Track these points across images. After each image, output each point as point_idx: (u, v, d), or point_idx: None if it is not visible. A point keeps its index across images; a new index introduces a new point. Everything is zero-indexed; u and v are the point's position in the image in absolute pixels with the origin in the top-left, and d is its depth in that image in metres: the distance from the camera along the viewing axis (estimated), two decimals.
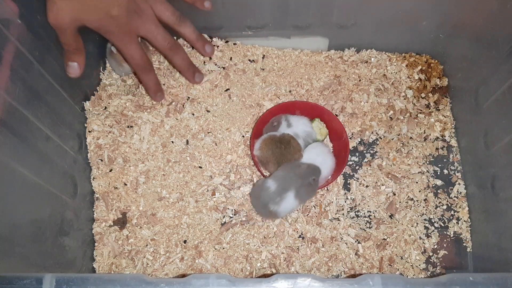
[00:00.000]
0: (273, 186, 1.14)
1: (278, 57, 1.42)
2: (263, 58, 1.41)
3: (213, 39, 1.42)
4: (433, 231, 1.25)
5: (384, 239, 1.23)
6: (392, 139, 1.33)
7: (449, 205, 1.28)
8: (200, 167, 1.28)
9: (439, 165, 1.32)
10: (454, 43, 1.33)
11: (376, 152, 1.32)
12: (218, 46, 1.41)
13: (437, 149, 1.33)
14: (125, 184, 1.27)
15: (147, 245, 1.22)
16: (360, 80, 1.39)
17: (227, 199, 1.25)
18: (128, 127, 1.32)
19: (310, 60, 1.41)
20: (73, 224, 1.15)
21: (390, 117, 1.36)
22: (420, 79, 1.40)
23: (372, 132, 1.34)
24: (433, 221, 1.26)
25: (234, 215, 1.25)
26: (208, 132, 1.32)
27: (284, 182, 1.14)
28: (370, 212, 1.26)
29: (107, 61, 1.39)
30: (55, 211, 1.08)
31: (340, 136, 1.26)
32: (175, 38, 1.27)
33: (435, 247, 1.23)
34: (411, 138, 1.33)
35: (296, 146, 1.20)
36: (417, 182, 1.29)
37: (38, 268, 0.99)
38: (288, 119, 1.24)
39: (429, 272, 1.21)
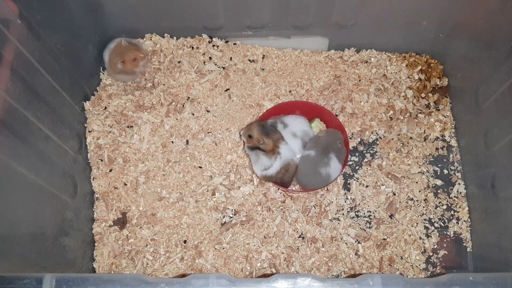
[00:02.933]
0: (314, 153, 1.18)
1: (278, 57, 1.42)
2: (263, 58, 1.41)
3: (213, 39, 1.42)
4: (433, 231, 1.25)
5: (384, 239, 1.23)
6: (392, 139, 1.33)
7: (449, 205, 1.28)
8: (200, 167, 1.28)
9: (439, 165, 1.32)
10: (454, 43, 1.33)
11: (376, 152, 1.32)
12: (218, 46, 1.41)
13: (437, 149, 1.33)
14: (125, 184, 1.27)
15: (147, 245, 1.22)
16: (360, 80, 1.39)
17: (227, 199, 1.25)
18: (128, 127, 1.32)
19: (310, 60, 1.41)
20: (73, 224, 1.15)
21: (390, 117, 1.36)
22: (420, 79, 1.40)
23: (372, 132, 1.34)
24: (433, 221, 1.26)
25: (234, 215, 1.24)
26: (208, 132, 1.32)
27: (323, 148, 1.19)
28: (370, 212, 1.26)
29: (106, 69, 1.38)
30: (55, 211, 1.09)
31: None
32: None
33: (435, 247, 1.23)
34: (411, 138, 1.33)
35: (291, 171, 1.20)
36: (417, 182, 1.29)
37: (38, 268, 0.99)
38: (283, 121, 1.24)
39: (429, 272, 1.21)
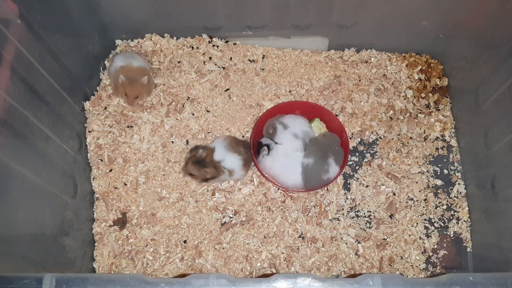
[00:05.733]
0: (312, 161, 1.18)
1: (278, 57, 1.42)
2: (263, 58, 1.41)
3: (213, 39, 1.42)
4: (433, 231, 1.25)
5: (384, 239, 1.23)
6: (392, 139, 1.33)
7: (449, 205, 1.28)
8: None
9: (439, 165, 1.32)
10: (454, 43, 1.33)
11: (376, 152, 1.32)
12: (218, 46, 1.41)
13: (437, 149, 1.33)
14: (125, 184, 1.27)
15: (147, 245, 1.22)
16: (360, 80, 1.39)
17: (227, 199, 1.25)
18: (128, 127, 1.32)
19: (310, 60, 1.41)
20: (73, 224, 1.15)
21: (390, 117, 1.36)
22: (420, 79, 1.40)
23: (372, 132, 1.34)
24: (433, 221, 1.26)
25: (234, 215, 1.24)
26: (208, 132, 1.32)
27: (321, 154, 1.19)
28: (370, 212, 1.26)
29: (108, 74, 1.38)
30: (55, 211, 1.09)
31: (340, 136, 1.26)
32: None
33: (435, 247, 1.23)
34: (411, 138, 1.33)
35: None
36: (417, 182, 1.29)
37: (38, 268, 0.99)
38: (282, 122, 1.24)
39: (429, 272, 1.21)
